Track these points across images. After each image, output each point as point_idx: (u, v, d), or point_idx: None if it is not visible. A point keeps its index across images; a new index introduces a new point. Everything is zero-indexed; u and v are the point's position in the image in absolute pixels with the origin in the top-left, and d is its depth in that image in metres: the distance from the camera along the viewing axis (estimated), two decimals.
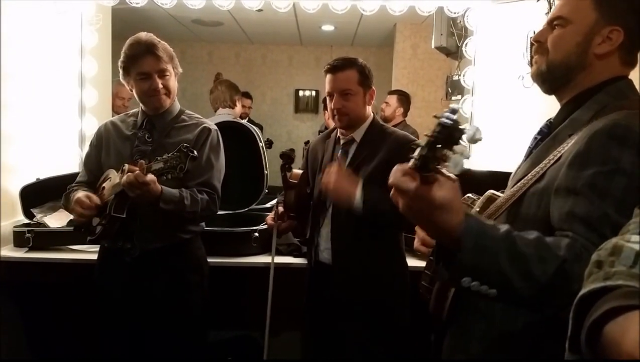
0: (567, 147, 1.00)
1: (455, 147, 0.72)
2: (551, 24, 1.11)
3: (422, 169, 0.76)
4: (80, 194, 1.79)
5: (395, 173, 0.80)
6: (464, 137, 0.72)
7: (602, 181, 0.90)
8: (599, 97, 1.05)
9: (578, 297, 0.62)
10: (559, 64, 1.09)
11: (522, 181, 1.07)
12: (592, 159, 0.92)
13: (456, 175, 0.78)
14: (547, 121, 1.18)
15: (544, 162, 1.04)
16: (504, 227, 0.88)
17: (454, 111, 0.72)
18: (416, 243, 1.27)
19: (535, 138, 1.18)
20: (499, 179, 1.32)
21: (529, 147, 1.19)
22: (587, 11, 1.05)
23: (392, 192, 0.83)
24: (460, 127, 0.71)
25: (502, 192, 1.17)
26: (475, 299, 1.08)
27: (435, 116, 0.74)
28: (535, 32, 1.16)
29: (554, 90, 1.15)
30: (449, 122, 0.71)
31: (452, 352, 1.20)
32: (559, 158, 1.00)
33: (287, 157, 1.98)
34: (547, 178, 1.01)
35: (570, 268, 0.83)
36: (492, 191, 1.20)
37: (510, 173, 1.23)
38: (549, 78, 1.12)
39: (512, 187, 1.11)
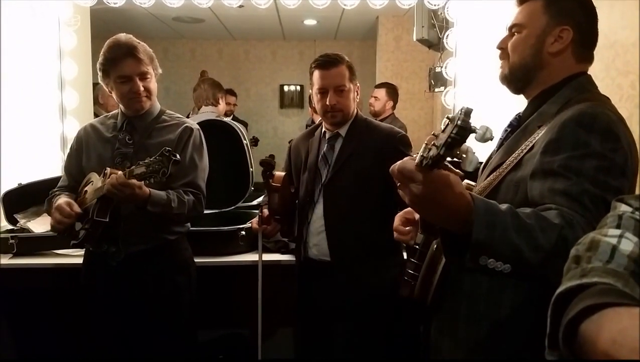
0: (538, 136, 1.08)
1: (463, 146, 0.75)
2: (510, 31, 1.22)
3: (432, 167, 0.79)
4: (62, 200, 1.76)
5: (407, 161, 0.84)
6: (475, 136, 0.75)
7: (575, 163, 0.98)
8: (563, 92, 1.15)
9: (555, 295, 0.62)
10: (518, 66, 1.20)
11: (498, 169, 1.14)
12: (564, 145, 1.01)
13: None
14: (516, 115, 1.27)
15: (517, 151, 1.12)
16: (503, 205, 0.92)
17: (468, 113, 0.75)
18: (395, 234, 1.30)
19: (506, 130, 1.26)
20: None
21: (500, 138, 1.26)
22: (538, 16, 1.17)
23: (399, 184, 0.87)
24: (472, 127, 0.74)
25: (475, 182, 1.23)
26: (461, 281, 1.15)
27: (448, 117, 0.77)
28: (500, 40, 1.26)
29: (519, 90, 1.24)
30: (466, 124, 0.74)
31: (439, 336, 1.25)
32: (532, 147, 1.08)
33: (268, 164, 1.98)
34: (523, 167, 1.08)
35: (567, 233, 0.89)
36: (467, 181, 1.23)
37: None
38: (512, 79, 1.22)
39: (488, 176, 1.17)
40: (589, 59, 1.19)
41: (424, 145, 0.81)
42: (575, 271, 0.65)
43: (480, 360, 1.15)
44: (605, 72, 1.91)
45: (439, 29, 3.22)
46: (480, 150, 0.81)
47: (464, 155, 0.75)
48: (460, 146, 0.75)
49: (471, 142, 0.76)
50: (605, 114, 1.03)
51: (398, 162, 0.85)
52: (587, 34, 1.17)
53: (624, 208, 0.73)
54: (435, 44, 3.40)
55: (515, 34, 1.20)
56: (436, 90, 3.43)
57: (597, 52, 1.19)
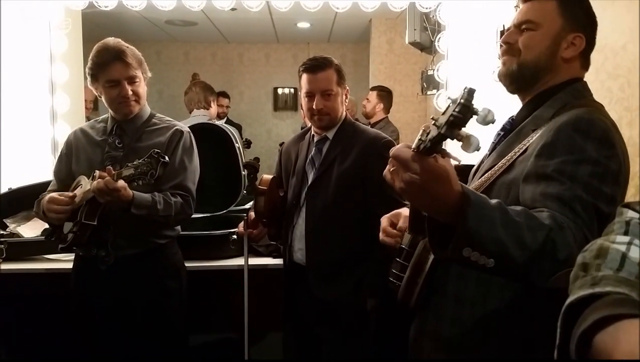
0: (533, 140, 1.06)
1: (463, 129, 0.73)
2: (519, 27, 1.17)
3: (430, 150, 0.77)
4: (49, 195, 1.75)
5: (402, 149, 0.82)
6: (476, 118, 0.72)
7: (570, 167, 0.97)
8: (560, 96, 1.13)
9: (566, 305, 0.60)
10: (530, 65, 1.15)
11: (490, 171, 1.13)
12: (560, 149, 0.99)
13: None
14: (509, 118, 1.24)
15: (510, 154, 1.10)
16: (493, 200, 0.91)
17: (471, 93, 0.73)
18: (381, 235, 1.28)
19: (499, 134, 1.23)
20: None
21: (493, 142, 1.24)
22: (553, 17, 1.13)
23: (392, 168, 0.85)
24: (474, 107, 0.72)
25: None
26: (446, 283, 1.15)
27: (450, 98, 0.75)
28: (504, 34, 1.21)
29: (519, 89, 1.21)
30: (469, 103, 0.71)
31: (419, 336, 1.24)
32: (525, 150, 1.07)
33: (252, 167, 1.97)
34: (515, 169, 1.07)
35: (556, 236, 0.88)
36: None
37: None
38: (519, 78, 1.18)
39: (480, 178, 1.15)
40: (589, 66, 1.19)
41: (421, 130, 0.78)
42: (584, 279, 0.63)
43: (462, 361, 1.15)
44: (595, 75, 1.91)
45: (431, 32, 3.22)
46: (471, 154, 0.79)
47: (465, 137, 0.73)
48: (462, 126, 0.73)
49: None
50: (602, 120, 1.02)
51: (395, 148, 0.84)
52: (592, 42, 1.16)
53: (630, 214, 0.71)
54: (427, 47, 3.40)
55: (526, 30, 1.15)
56: (428, 93, 3.44)
57: None
